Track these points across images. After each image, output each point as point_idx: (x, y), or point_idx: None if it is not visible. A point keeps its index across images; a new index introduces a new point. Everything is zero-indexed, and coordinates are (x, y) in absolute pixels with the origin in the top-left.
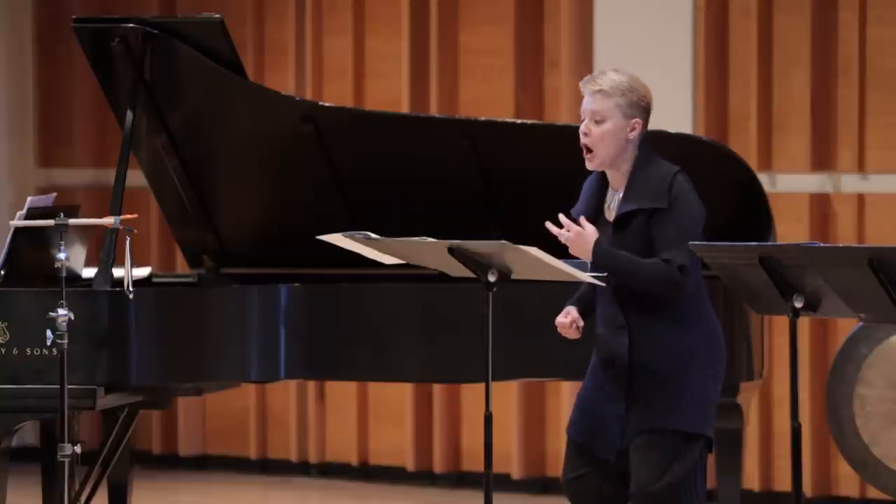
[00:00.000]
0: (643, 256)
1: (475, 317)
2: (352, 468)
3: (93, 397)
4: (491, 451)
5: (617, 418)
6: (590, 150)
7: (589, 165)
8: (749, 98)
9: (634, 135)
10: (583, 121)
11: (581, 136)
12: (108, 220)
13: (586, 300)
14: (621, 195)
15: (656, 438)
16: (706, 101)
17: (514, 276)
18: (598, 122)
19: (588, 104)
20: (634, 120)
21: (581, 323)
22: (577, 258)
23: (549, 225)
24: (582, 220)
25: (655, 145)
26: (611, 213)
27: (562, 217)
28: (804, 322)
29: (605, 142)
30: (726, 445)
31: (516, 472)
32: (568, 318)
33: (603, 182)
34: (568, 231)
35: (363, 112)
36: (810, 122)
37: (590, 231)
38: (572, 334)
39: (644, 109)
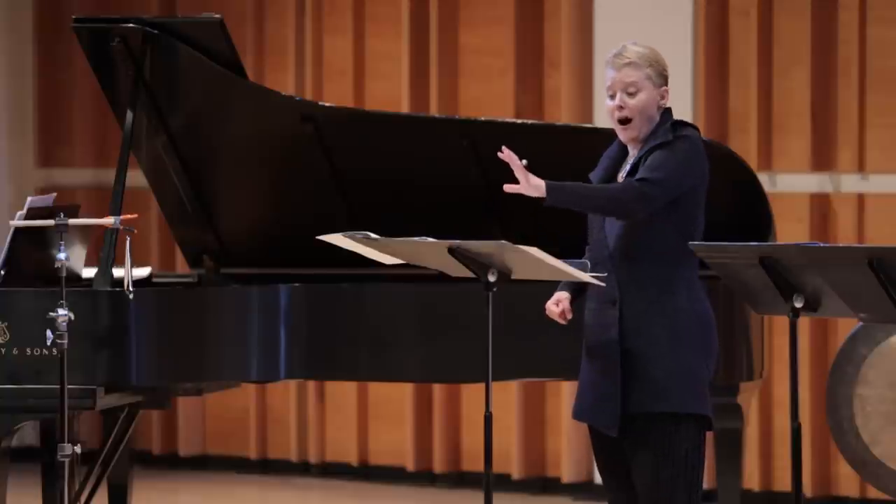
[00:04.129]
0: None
1: (475, 317)
2: (352, 468)
3: (93, 397)
4: (491, 451)
5: (611, 394)
6: (626, 122)
7: (624, 136)
8: (749, 98)
9: (664, 103)
10: (611, 96)
11: (615, 111)
12: (108, 220)
13: (578, 285)
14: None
15: (651, 424)
16: (706, 101)
17: (514, 276)
18: (631, 94)
19: (620, 77)
20: (664, 88)
21: (570, 315)
22: (577, 257)
23: (507, 157)
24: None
25: None
26: (622, 176)
27: (505, 152)
28: (804, 322)
29: (641, 112)
30: (726, 445)
31: (516, 472)
32: (558, 308)
33: (623, 152)
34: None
35: (363, 112)
36: (810, 122)
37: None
38: (559, 321)
39: (666, 78)
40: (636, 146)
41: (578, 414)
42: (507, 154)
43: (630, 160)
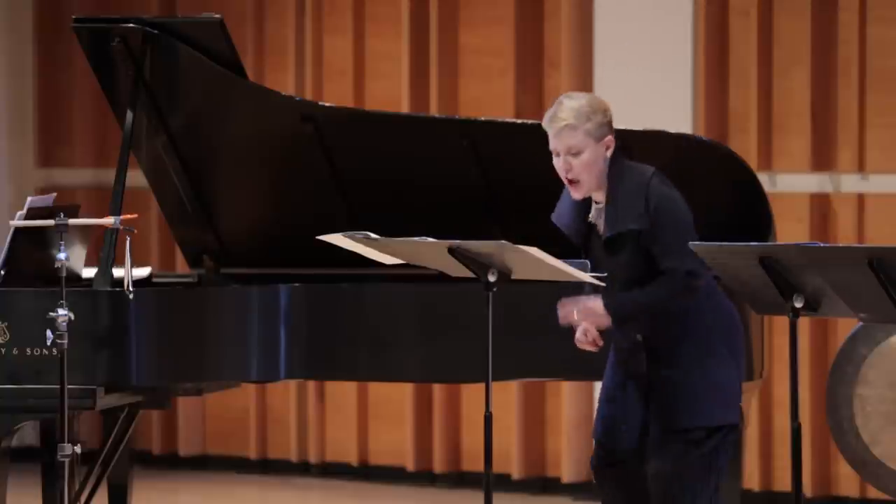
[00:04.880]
0: (643, 271)
1: (475, 317)
2: (352, 468)
3: (93, 397)
4: (491, 451)
5: (638, 418)
6: (574, 182)
7: (576, 195)
8: (749, 98)
9: (610, 152)
10: (556, 155)
11: (562, 172)
12: (108, 220)
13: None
14: (603, 212)
15: (677, 436)
16: (706, 101)
17: (514, 276)
18: (575, 155)
19: (560, 142)
20: (607, 139)
21: (601, 342)
22: (578, 259)
23: (561, 314)
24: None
25: (655, 145)
26: (600, 224)
27: (562, 304)
28: (804, 322)
29: (589, 171)
30: None
31: (516, 472)
32: (588, 338)
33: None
34: (574, 309)
35: (363, 112)
36: (810, 122)
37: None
38: (590, 349)
39: (609, 124)
40: (598, 191)
41: (599, 433)
42: (562, 315)
43: (598, 208)
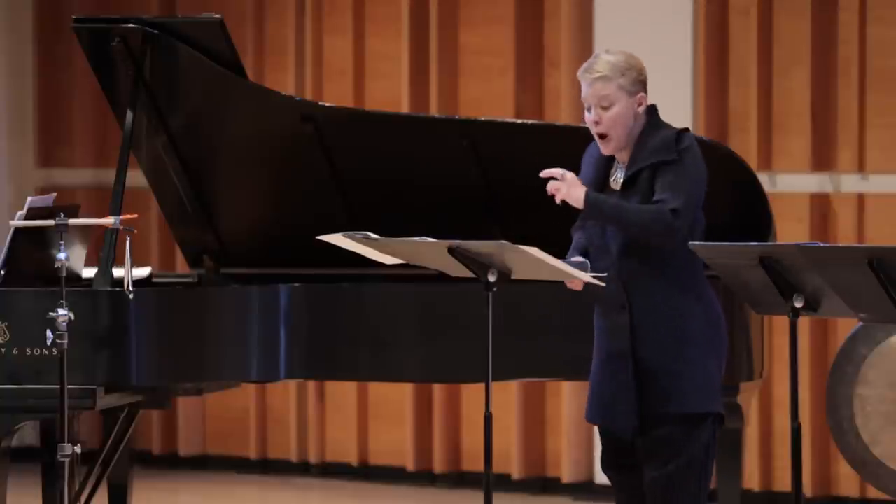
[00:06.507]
0: None
1: (475, 317)
2: (352, 468)
3: (93, 397)
4: (491, 451)
5: (626, 398)
6: (604, 136)
7: (605, 150)
8: (749, 98)
9: (642, 109)
10: (587, 109)
11: (592, 126)
12: (108, 220)
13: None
14: (624, 169)
15: (665, 425)
16: (706, 101)
17: (514, 276)
18: (605, 108)
19: (592, 92)
20: (639, 95)
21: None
22: (578, 259)
23: (544, 174)
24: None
25: None
26: (616, 185)
27: (549, 171)
28: (804, 322)
29: (618, 125)
30: (726, 445)
31: (516, 472)
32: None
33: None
34: (561, 179)
35: (363, 112)
36: (810, 122)
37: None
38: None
39: (643, 83)
40: (626, 151)
41: (593, 417)
42: (547, 172)
43: (621, 166)
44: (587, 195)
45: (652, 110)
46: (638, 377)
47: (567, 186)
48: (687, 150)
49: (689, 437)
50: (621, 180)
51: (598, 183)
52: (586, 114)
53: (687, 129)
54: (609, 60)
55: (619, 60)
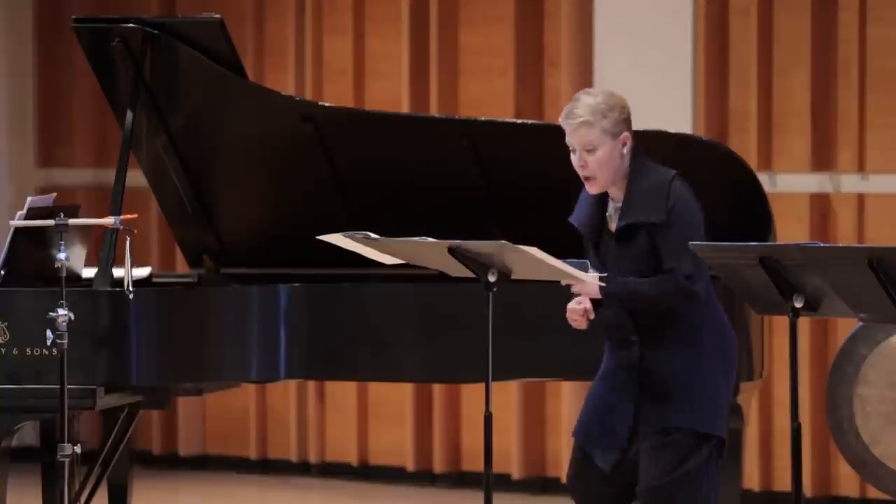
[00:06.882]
0: (650, 267)
1: (475, 317)
2: (352, 468)
3: (93, 397)
4: (491, 451)
5: (625, 423)
6: (590, 179)
7: (591, 190)
8: (749, 98)
9: (626, 149)
10: (572, 152)
11: (578, 169)
12: (108, 220)
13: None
14: (620, 201)
15: (667, 438)
16: (706, 101)
17: (514, 276)
18: (590, 151)
19: (576, 138)
20: (623, 135)
21: (592, 315)
22: (577, 257)
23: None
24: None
25: (655, 145)
26: (613, 225)
27: (568, 280)
28: (804, 322)
29: (604, 167)
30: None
31: (516, 472)
32: (581, 307)
33: (602, 194)
34: (578, 282)
35: (363, 112)
36: (810, 122)
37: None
38: (580, 324)
39: (627, 121)
40: (615, 189)
41: (584, 441)
42: (566, 281)
43: (614, 203)
44: (602, 290)
45: (636, 149)
46: (642, 399)
47: (583, 287)
48: (675, 207)
49: (689, 455)
50: (616, 220)
51: (595, 223)
52: (572, 155)
53: (675, 176)
54: (589, 104)
55: (599, 102)
